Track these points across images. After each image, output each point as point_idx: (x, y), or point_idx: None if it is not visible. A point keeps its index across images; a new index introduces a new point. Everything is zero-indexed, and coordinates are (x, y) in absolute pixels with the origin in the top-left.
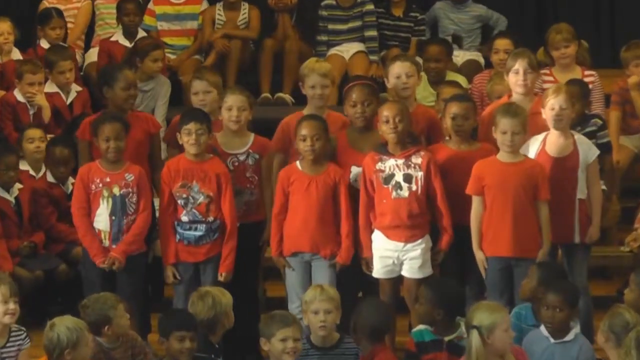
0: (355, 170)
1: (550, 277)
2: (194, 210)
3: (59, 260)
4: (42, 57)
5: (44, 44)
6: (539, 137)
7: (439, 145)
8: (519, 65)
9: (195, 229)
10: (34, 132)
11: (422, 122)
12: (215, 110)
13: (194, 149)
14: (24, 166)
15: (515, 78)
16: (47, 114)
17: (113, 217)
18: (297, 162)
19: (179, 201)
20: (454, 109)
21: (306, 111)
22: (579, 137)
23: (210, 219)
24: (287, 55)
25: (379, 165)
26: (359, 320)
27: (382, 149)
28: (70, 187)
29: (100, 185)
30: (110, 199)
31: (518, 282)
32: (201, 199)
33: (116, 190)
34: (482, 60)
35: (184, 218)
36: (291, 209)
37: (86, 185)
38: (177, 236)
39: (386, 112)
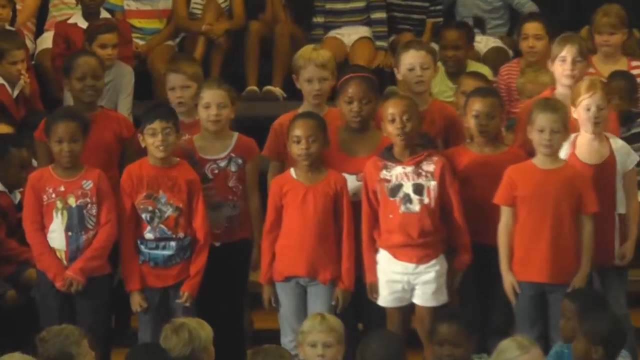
0: (348, 180)
1: (589, 307)
2: (161, 226)
3: (6, 285)
4: None
5: None
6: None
7: (459, 148)
8: (567, 53)
9: (164, 248)
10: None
11: (438, 121)
12: (194, 108)
13: (160, 152)
14: None
15: (562, 67)
16: None
17: (70, 233)
18: (292, 170)
19: (143, 215)
20: (477, 105)
21: (302, 109)
22: (614, 141)
23: (181, 235)
24: (278, 41)
25: (384, 174)
26: (366, 355)
27: (388, 154)
28: (19, 196)
29: (54, 195)
30: (65, 212)
31: (553, 312)
32: (169, 211)
33: (72, 201)
34: (509, 50)
35: (149, 235)
36: (285, 224)
37: (38, 195)
38: (141, 257)
39: (392, 109)
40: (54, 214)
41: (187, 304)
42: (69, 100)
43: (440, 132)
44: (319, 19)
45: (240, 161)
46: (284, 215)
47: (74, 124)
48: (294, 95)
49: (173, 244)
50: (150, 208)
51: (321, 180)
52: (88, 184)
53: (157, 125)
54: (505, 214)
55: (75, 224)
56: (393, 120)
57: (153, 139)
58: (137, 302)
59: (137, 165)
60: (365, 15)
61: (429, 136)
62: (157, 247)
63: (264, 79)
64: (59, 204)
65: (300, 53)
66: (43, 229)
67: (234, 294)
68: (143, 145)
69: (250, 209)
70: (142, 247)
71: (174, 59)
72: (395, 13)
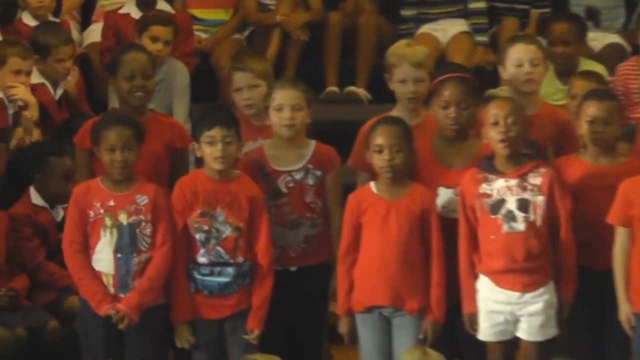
0: (445, 194)
1: None
2: (217, 248)
3: (47, 314)
4: (23, 36)
5: (28, 20)
6: None
7: (570, 158)
8: None
9: (219, 274)
10: None
11: (549, 127)
12: (264, 110)
13: (219, 163)
14: None
15: None
16: (33, 114)
17: (119, 255)
18: (372, 183)
19: (197, 235)
20: (592, 109)
21: (395, 114)
22: None
23: (240, 259)
24: (362, 35)
25: (484, 188)
26: None
27: (488, 165)
28: (62, 213)
29: (102, 211)
30: (114, 230)
31: None
32: (228, 232)
33: (123, 218)
34: (628, 46)
35: (203, 259)
36: (364, 247)
37: (82, 210)
38: (193, 284)
39: (495, 110)
40: (102, 232)
41: (255, 342)
42: (114, 101)
43: (551, 140)
44: (409, 12)
45: (318, 173)
46: (363, 236)
47: (128, 131)
48: (380, 96)
49: (230, 269)
50: (205, 227)
51: (405, 196)
52: (143, 199)
53: (216, 132)
54: (620, 235)
55: (126, 245)
56: (496, 123)
57: (211, 148)
58: (184, 336)
59: (191, 178)
60: (461, 5)
61: (538, 144)
62: (211, 274)
63: (346, 78)
64: (108, 221)
65: (392, 49)
66: (86, 250)
67: (312, 326)
68: (199, 155)
69: (331, 228)
70: (195, 273)
71: (238, 56)
72: (496, 3)
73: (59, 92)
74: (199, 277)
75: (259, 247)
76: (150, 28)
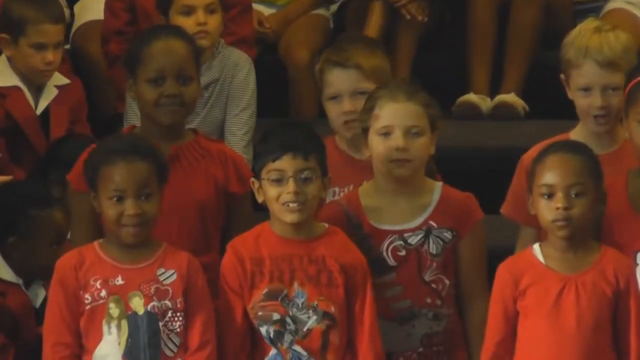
0: None
1: None
2: (296, 348)
3: None
4: None
5: None
6: None
7: None
8: None
9: None
10: None
11: None
12: (364, 135)
13: (292, 213)
14: None
15: None
16: None
17: None
18: (536, 247)
19: (263, 329)
20: None
21: (575, 136)
22: None
23: None
24: (517, 17)
25: None
26: None
27: None
28: (43, 294)
29: (104, 293)
30: (124, 324)
31: None
32: (312, 321)
33: (138, 305)
34: None
35: None
36: (523, 346)
37: (72, 295)
38: None
39: None
40: (105, 327)
41: None
42: (133, 116)
43: None
44: None
45: (448, 235)
46: (522, 330)
47: (144, 166)
48: (546, 109)
49: None
50: (276, 316)
51: (591, 267)
52: (168, 276)
53: (285, 164)
54: None
55: (143, 346)
56: None
57: (278, 188)
58: None
59: (252, 237)
60: None
61: None
62: None
63: (493, 82)
64: (114, 310)
65: (571, 38)
66: (78, 356)
67: None
68: (260, 199)
69: (468, 320)
70: None
71: (337, 44)
72: None
73: (44, 103)
74: None
75: (362, 342)
76: None
